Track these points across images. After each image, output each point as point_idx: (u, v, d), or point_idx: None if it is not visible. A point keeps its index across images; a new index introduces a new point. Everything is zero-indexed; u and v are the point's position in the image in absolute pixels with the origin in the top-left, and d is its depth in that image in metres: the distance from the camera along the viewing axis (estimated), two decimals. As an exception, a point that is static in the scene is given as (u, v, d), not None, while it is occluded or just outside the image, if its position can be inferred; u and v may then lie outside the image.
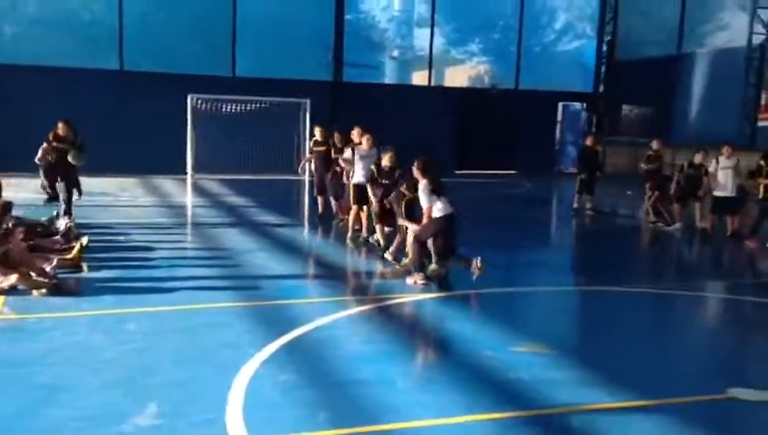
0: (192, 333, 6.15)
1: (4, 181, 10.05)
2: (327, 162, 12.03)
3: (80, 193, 12.36)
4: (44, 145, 11.89)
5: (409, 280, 8.07)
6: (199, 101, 20.57)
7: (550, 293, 8.56)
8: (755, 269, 10.78)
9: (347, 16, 24.27)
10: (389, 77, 27.04)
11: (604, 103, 26.05)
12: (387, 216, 9.43)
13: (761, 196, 11.41)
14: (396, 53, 28.20)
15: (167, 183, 18.70)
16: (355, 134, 11.44)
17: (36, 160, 12.64)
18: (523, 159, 24.76)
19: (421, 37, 26.22)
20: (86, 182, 13.18)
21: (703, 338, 7.10)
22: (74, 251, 8.37)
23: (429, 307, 7.51)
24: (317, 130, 12.68)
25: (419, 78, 26.10)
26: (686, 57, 22.88)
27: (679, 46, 23.19)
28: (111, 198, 15.35)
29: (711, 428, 4.74)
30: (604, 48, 26.18)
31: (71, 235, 9.40)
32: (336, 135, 12.23)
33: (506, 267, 9.94)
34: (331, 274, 8.95)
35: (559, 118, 26.76)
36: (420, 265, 8.07)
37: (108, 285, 7.66)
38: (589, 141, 15.81)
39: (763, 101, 20.05)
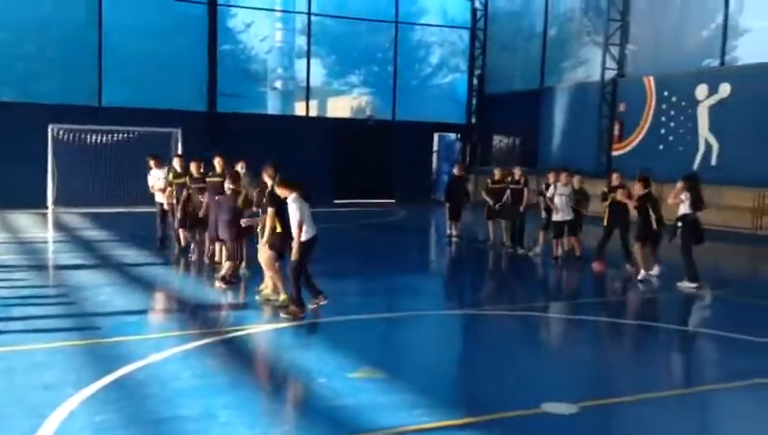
0: (9, 374, 5.83)
1: None
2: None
3: None
4: None
5: (285, 314, 7.93)
6: (61, 132, 19.74)
7: (404, 318, 8.69)
8: (596, 289, 11.42)
9: (223, 47, 24.10)
10: (272, 107, 27.01)
11: (476, 134, 27.00)
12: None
13: (605, 221, 12.08)
14: (278, 84, 28.27)
15: (23, 218, 17.73)
16: (216, 163, 11.36)
17: None
18: (400, 187, 25.22)
19: (303, 69, 26.35)
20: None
21: (528, 355, 7.35)
22: None
23: (271, 338, 7.46)
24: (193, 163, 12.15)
25: (302, 108, 26.20)
26: (548, 91, 24.12)
27: (542, 81, 24.44)
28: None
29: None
30: (475, 81, 27.18)
31: None
32: (193, 165, 12.03)
33: (362, 294, 10.04)
34: (175, 308, 8.76)
35: (435, 148, 27.51)
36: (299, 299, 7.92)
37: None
38: (456, 170, 16.23)
39: (616, 132, 21.37)
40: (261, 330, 7.57)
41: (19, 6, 20.98)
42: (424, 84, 28.25)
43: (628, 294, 10.83)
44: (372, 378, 6.07)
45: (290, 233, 7.97)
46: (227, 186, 9.58)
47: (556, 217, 12.59)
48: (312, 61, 26.39)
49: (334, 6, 26.27)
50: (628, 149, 21.12)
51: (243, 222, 9.28)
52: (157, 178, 12.89)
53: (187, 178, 11.95)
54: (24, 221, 17.18)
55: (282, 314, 7.95)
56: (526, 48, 25.52)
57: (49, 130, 19.47)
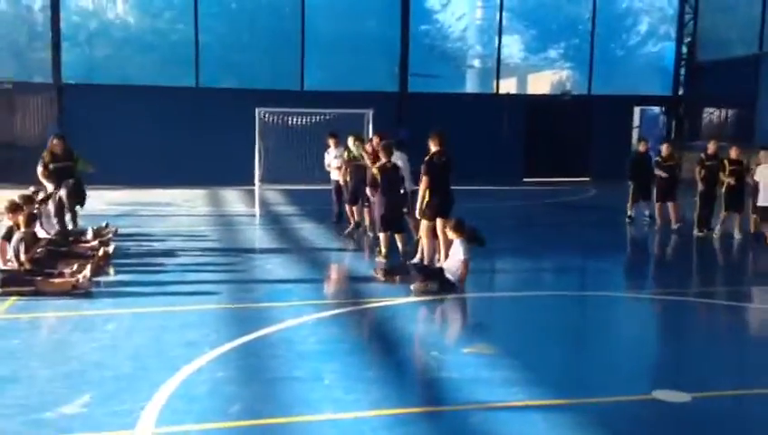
0: (162, 331, 6.63)
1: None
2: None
3: (82, 203, 11.88)
4: (41, 169, 11.36)
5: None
6: (267, 115, 21.45)
7: (544, 297, 8.51)
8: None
9: (419, 27, 24.67)
10: (470, 86, 27.11)
11: (684, 106, 25.06)
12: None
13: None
14: (476, 63, 28.29)
15: (230, 193, 19.58)
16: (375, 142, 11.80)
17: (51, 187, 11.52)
18: (595, 165, 24.21)
19: (502, 45, 26.06)
20: (154, 193, 14.01)
21: (658, 341, 6.89)
22: (98, 257, 9.10)
23: (404, 311, 7.65)
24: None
25: (501, 86, 26.01)
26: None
27: (761, 45, 22.02)
28: (173, 207, 16.30)
29: (634, 426, 4.83)
30: (684, 49, 25.18)
31: (101, 242, 10.18)
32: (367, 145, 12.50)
33: (513, 272, 10.02)
34: (327, 278, 9.38)
35: (637, 123, 25.97)
36: None
37: (117, 289, 8.32)
38: (641, 147, 15.36)
39: None
40: (397, 303, 7.82)
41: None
42: (629, 55, 26.73)
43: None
44: (483, 354, 6.11)
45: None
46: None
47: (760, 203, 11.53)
48: (511, 37, 26.09)
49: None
50: None
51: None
52: (333, 156, 13.63)
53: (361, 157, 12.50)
54: (230, 197, 18.97)
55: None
56: (745, 8, 23.08)
57: (256, 112, 21.25)
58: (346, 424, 4.72)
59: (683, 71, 25.21)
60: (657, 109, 25.98)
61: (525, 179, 23.97)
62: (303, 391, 5.24)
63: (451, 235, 8.30)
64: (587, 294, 8.73)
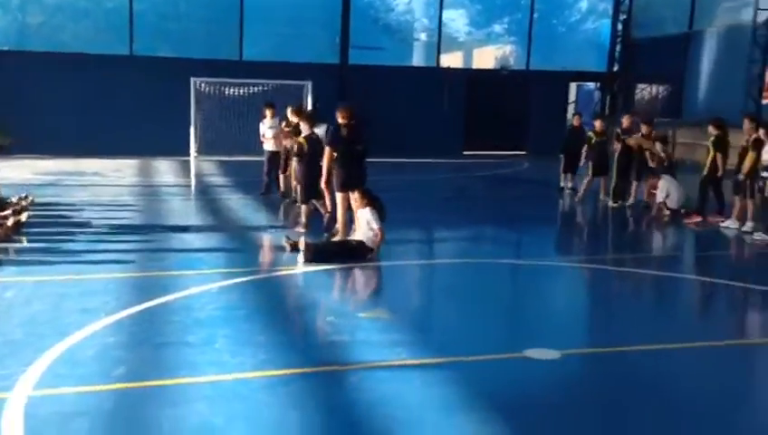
0: (61, 299, 6.63)
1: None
2: None
3: None
4: None
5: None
6: (203, 85, 21.21)
7: (453, 265, 8.78)
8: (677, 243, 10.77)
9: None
10: (416, 59, 27.10)
11: (618, 83, 25.59)
12: None
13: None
14: (423, 36, 28.31)
15: (164, 164, 19.38)
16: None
17: None
18: (532, 139, 24.62)
19: (448, 19, 26.16)
20: (84, 163, 13.80)
21: (545, 304, 7.24)
22: (6, 226, 9.00)
23: (309, 278, 7.77)
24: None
25: (447, 60, 26.13)
26: (697, 35, 22.29)
27: (690, 24, 22.59)
28: (100, 177, 16.07)
29: (501, 381, 5.10)
30: (620, 27, 25.65)
31: (14, 211, 10.04)
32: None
33: (430, 241, 10.23)
34: (242, 247, 9.41)
35: (572, 98, 26.44)
36: None
37: (24, 257, 8.28)
38: (575, 121, 15.80)
39: (767, 79, 19.42)
40: (305, 271, 7.94)
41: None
42: (570, 32, 27.13)
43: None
44: (379, 318, 6.30)
45: None
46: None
47: None
48: (456, 11, 26.20)
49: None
50: (780, 97, 19.16)
51: None
52: (268, 126, 13.64)
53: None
54: (162, 167, 18.77)
55: None
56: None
57: (192, 82, 20.98)
58: (226, 385, 4.85)
59: (618, 48, 25.69)
60: (592, 85, 26.47)
61: (465, 153, 24.26)
62: (191, 355, 5.35)
63: (356, 206, 8.45)
64: (492, 262, 8.97)
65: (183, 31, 23.07)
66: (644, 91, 24.90)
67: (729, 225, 10.88)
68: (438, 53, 25.52)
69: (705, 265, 9.78)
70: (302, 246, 8.14)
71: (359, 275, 8.10)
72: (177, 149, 20.72)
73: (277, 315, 6.49)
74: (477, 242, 10.54)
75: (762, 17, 19.61)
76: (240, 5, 22.87)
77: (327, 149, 9.06)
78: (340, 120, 9.06)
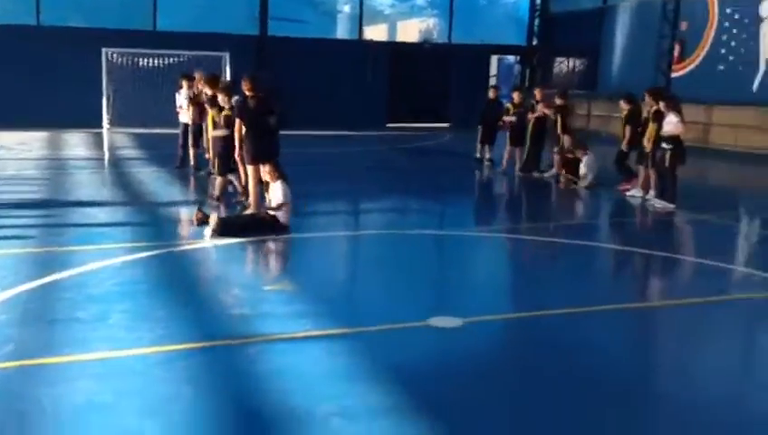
0: (-50, 276, 6.31)
1: None
2: None
3: None
4: None
5: None
6: (115, 55, 20.46)
7: (362, 236, 8.78)
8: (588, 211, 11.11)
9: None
10: (340, 32, 26.81)
11: (538, 57, 26.01)
12: None
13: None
14: (346, 8, 28.00)
15: (75, 137, 18.65)
16: None
17: None
18: (455, 112, 24.79)
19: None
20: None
21: (455, 273, 7.30)
22: None
23: (217, 252, 7.64)
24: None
25: (371, 33, 25.93)
26: (611, 9, 22.83)
27: (605, -1, 23.14)
28: (2, 151, 15.32)
29: (405, 349, 5.11)
30: (538, 1, 26.02)
31: None
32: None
33: (342, 213, 10.21)
34: (149, 221, 9.14)
35: (494, 72, 26.74)
36: None
37: None
38: (490, 93, 15.91)
39: (676, 53, 20.09)
40: (213, 245, 7.79)
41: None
42: (491, 5, 27.36)
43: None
44: (283, 290, 6.24)
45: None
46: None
47: None
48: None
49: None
50: (688, 70, 19.85)
51: None
52: (184, 97, 13.27)
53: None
54: (73, 140, 18.06)
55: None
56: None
57: (103, 53, 20.20)
58: (118, 362, 4.71)
59: (537, 22, 26.07)
60: (512, 58, 26.83)
61: (389, 125, 24.27)
62: (84, 332, 5.17)
63: (266, 178, 8.35)
64: (404, 233, 9.00)
65: (95, 0, 22.11)
66: (562, 64, 25.38)
67: (635, 193, 11.25)
68: (361, 25, 25.31)
69: (611, 232, 10.10)
70: (212, 220, 7.97)
71: (268, 248, 8.01)
72: (89, 120, 20.00)
73: (179, 290, 6.32)
74: (391, 213, 10.57)
75: (671, -7, 20.23)
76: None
77: (237, 122, 8.89)
78: (246, 92, 8.88)
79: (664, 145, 10.29)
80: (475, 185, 14.09)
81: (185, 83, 13.39)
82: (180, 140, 13.31)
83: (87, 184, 11.83)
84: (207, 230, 7.95)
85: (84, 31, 20.96)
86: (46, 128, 18.99)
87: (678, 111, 10.31)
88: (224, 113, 9.76)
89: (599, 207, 11.67)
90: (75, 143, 17.58)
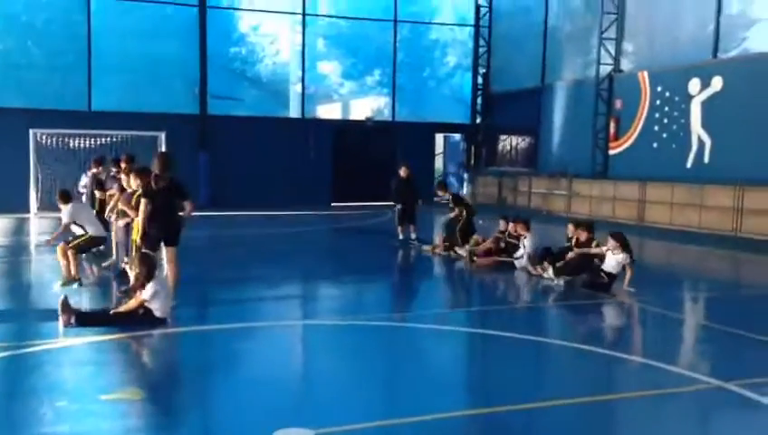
0: None
1: None
2: None
3: None
4: None
5: None
6: (44, 137, 19.99)
7: (239, 329, 8.11)
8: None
9: (229, 49, 24.33)
10: (293, 111, 26.63)
11: (481, 134, 26.10)
12: None
13: None
14: (298, 88, 28.03)
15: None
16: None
17: None
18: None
19: (323, 71, 26.16)
20: None
21: (319, 372, 6.64)
22: None
23: (63, 353, 6.84)
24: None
25: (325, 111, 25.95)
26: (548, 89, 23.05)
27: (543, 78, 23.35)
28: None
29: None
30: (480, 80, 26.30)
31: None
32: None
33: (230, 303, 9.45)
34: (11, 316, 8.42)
35: (441, 149, 26.75)
36: None
37: None
38: (402, 172, 15.42)
39: (612, 130, 20.18)
40: (60, 345, 7.00)
41: (6, 7, 21.26)
42: (439, 84, 27.64)
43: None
44: (123, 400, 5.56)
45: None
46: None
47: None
48: (330, 63, 26.21)
49: (338, 7, 25.96)
50: (624, 147, 19.90)
51: None
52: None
53: None
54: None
55: None
56: (532, 43, 24.43)
57: (31, 134, 19.72)
58: None
59: (480, 100, 26.27)
60: (458, 136, 26.92)
61: (333, 204, 23.92)
62: None
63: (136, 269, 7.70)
64: (290, 324, 8.36)
65: (32, 80, 21.71)
66: (505, 142, 25.46)
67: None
68: (303, 103, 25.30)
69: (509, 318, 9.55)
70: (67, 312, 7.32)
71: (128, 346, 7.24)
72: (17, 205, 19.35)
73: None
74: (289, 301, 9.94)
75: (604, 72, 20.45)
76: (88, 53, 21.78)
77: (142, 203, 8.38)
78: (156, 171, 8.42)
79: (602, 275, 10.16)
80: (394, 266, 13.52)
81: (94, 165, 13.08)
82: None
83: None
84: (60, 323, 7.28)
85: (11, 111, 20.48)
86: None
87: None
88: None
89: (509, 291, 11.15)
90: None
